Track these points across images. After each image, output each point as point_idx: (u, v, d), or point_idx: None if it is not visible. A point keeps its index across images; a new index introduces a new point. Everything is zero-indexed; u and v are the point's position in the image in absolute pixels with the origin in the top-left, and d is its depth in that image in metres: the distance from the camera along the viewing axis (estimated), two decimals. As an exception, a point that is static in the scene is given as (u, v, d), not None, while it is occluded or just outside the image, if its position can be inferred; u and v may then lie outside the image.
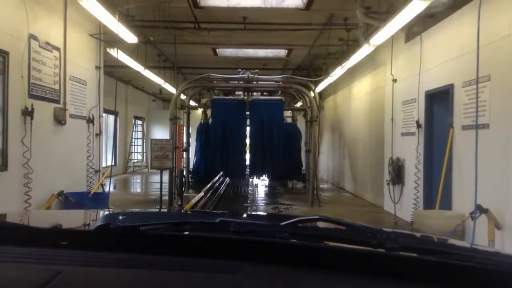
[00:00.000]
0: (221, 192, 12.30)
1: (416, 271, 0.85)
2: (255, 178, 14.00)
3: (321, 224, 1.10)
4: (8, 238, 0.98)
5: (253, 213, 5.42)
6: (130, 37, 7.98)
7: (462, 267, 0.84)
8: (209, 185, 11.97)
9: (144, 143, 19.64)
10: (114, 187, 12.89)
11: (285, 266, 0.88)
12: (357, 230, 1.02)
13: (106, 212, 1.39)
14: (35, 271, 0.83)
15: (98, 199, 7.40)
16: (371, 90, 10.93)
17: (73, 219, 1.47)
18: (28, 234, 1.01)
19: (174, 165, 9.80)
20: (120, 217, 1.09)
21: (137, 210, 3.63)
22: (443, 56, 6.97)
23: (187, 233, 1.03)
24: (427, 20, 7.16)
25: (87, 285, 0.81)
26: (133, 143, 19.53)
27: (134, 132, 19.57)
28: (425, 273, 0.84)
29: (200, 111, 15.06)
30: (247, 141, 12.64)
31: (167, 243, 0.97)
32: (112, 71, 10.63)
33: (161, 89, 16.25)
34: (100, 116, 8.63)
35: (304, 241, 0.94)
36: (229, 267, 0.88)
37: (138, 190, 14.87)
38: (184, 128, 12.74)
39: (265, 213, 4.35)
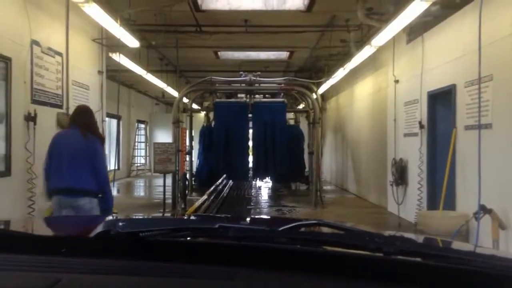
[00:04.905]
0: (225, 194, 12.30)
1: (413, 275, 0.85)
2: (258, 180, 14.00)
3: (319, 229, 1.11)
4: (8, 246, 0.99)
5: (253, 217, 5.42)
6: (132, 42, 8.01)
7: (459, 270, 0.84)
8: (212, 188, 11.97)
9: (147, 147, 19.66)
10: (118, 191, 12.91)
11: (284, 271, 0.89)
12: (355, 234, 1.02)
13: (107, 218, 1.40)
14: (34, 279, 0.84)
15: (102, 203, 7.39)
16: (373, 91, 10.92)
17: (74, 225, 1.47)
18: (28, 241, 1.02)
19: (177, 168, 9.81)
20: (120, 224, 1.09)
21: (139, 216, 3.64)
22: (445, 56, 6.96)
23: (186, 239, 1.04)
24: (428, 20, 7.15)
25: None
26: (136, 147, 19.56)
27: (137, 136, 19.60)
28: (422, 277, 0.85)
29: (202, 114, 15.09)
30: (250, 143, 12.64)
31: (166, 249, 0.97)
32: (115, 76, 10.67)
33: (163, 93, 16.27)
34: (103, 121, 8.65)
35: (302, 246, 0.95)
36: (228, 273, 0.88)
37: (142, 193, 14.89)
38: (187, 131, 12.76)
39: (265, 217, 4.34)
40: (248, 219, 2.10)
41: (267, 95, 13.15)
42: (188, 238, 1.04)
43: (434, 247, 0.97)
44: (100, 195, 4.21)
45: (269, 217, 7.31)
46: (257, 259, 0.91)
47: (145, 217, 1.93)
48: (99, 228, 1.06)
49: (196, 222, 1.33)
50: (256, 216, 6.59)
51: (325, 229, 1.07)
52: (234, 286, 0.86)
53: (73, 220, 1.61)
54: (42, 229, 1.38)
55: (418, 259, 0.88)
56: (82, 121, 4.29)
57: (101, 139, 4.45)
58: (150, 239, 1.00)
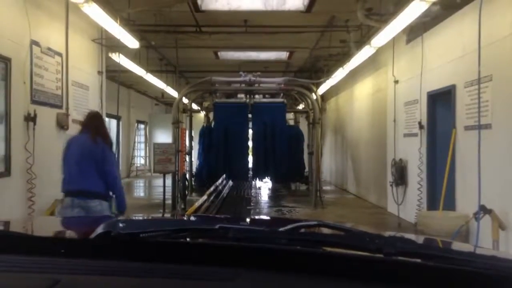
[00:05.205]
0: (224, 195, 12.29)
1: (413, 276, 0.85)
2: (258, 180, 14.01)
3: (319, 230, 1.10)
4: (7, 247, 0.99)
5: (253, 217, 5.43)
6: (132, 42, 8.00)
7: (459, 271, 0.84)
8: (212, 188, 11.95)
9: (147, 147, 19.67)
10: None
11: (284, 272, 0.89)
12: (355, 235, 1.02)
13: (107, 219, 1.39)
14: (33, 280, 0.84)
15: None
16: (373, 91, 10.92)
17: (74, 226, 1.47)
18: (27, 243, 1.02)
19: (177, 168, 9.80)
20: (120, 225, 1.09)
21: (138, 216, 3.67)
22: (445, 56, 6.96)
23: (186, 240, 1.04)
24: (428, 20, 7.15)
25: None
26: (136, 147, 19.57)
27: (136, 136, 19.60)
28: (422, 278, 0.84)
29: (202, 114, 15.09)
30: (250, 143, 12.64)
31: (166, 250, 0.97)
32: (114, 76, 10.67)
33: (163, 93, 16.27)
34: (102, 121, 8.62)
35: (303, 247, 0.95)
36: (228, 274, 0.88)
37: (141, 194, 14.89)
38: (187, 132, 12.75)
39: (265, 218, 4.38)
40: (248, 220, 2.09)
41: (266, 96, 13.16)
42: (188, 239, 1.04)
43: (435, 248, 0.97)
44: (110, 197, 4.44)
45: (269, 218, 7.30)
46: (257, 260, 0.91)
47: (145, 218, 1.94)
48: (99, 229, 1.05)
49: (196, 223, 1.32)
50: (256, 217, 6.59)
51: (326, 230, 1.07)
52: (235, 287, 0.86)
53: (73, 221, 1.61)
54: (42, 230, 1.38)
55: (419, 260, 0.88)
56: (93, 127, 4.53)
57: (109, 144, 4.64)
58: (150, 240, 1.00)
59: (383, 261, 0.89)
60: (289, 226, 1.03)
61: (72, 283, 0.84)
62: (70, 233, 1.31)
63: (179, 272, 0.90)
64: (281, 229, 1.02)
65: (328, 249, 0.95)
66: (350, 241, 0.97)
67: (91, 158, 4.35)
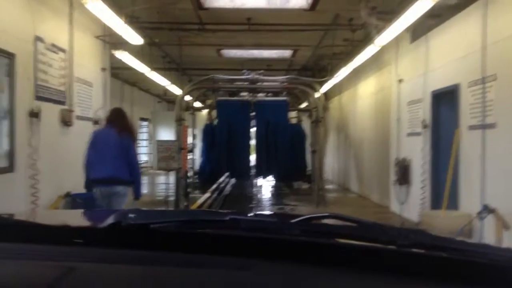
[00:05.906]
0: (227, 193, 12.31)
1: (428, 268, 0.84)
2: (260, 179, 14.02)
3: (331, 221, 1.10)
4: (20, 235, 0.99)
5: (262, 212, 5.45)
6: (135, 39, 8.00)
7: (475, 263, 0.83)
8: (214, 186, 11.97)
9: (150, 145, 19.68)
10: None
11: (296, 263, 0.88)
12: (368, 227, 1.02)
13: (116, 211, 1.39)
14: (49, 268, 0.84)
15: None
16: (376, 90, 10.91)
17: (82, 218, 1.47)
18: (40, 231, 1.02)
19: (179, 166, 9.82)
20: (131, 215, 1.09)
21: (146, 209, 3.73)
22: (449, 55, 6.95)
23: (197, 230, 1.04)
24: (432, 20, 7.14)
25: (101, 281, 0.82)
26: (139, 145, 19.57)
27: (139, 134, 19.61)
28: (437, 269, 0.84)
29: (205, 112, 15.09)
30: (253, 141, 12.65)
31: (178, 240, 0.97)
32: (118, 73, 10.67)
33: (166, 91, 16.28)
34: (106, 118, 8.63)
35: (315, 238, 0.94)
36: (240, 264, 0.88)
37: (144, 191, 14.85)
38: (189, 129, 12.76)
39: (275, 212, 4.44)
40: (257, 214, 2.09)
41: (269, 94, 13.16)
42: (200, 230, 1.04)
43: (448, 240, 0.97)
44: (132, 183, 5.26)
45: (278, 212, 7.29)
46: (269, 251, 0.91)
47: (155, 210, 1.95)
48: (110, 220, 1.05)
49: (206, 215, 1.33)
50: (265, 212, 6.60)
51: (338, 222, 1.07)
52: (247, 277, 0.86)
53: (81, 213, 1.62)
54: (52, 221, 1.38)
55: (433, 252, 0.88)
56: (118, 122, 5.24)
57: (134, 138, 5.42)
58: (162, 230, 1.00)
59: (396, 253, 0.88)
60: (301, 218, 1.03)
61: (87, 271, 0.84)
62: (80, 224, 1.31)
63: (190, 261, 0.90)
64: (292, 220, 1.02)
65: (341, 240, 0.95)
66: (362, 232, 0.96)
67: (116, 150, 5.02)
